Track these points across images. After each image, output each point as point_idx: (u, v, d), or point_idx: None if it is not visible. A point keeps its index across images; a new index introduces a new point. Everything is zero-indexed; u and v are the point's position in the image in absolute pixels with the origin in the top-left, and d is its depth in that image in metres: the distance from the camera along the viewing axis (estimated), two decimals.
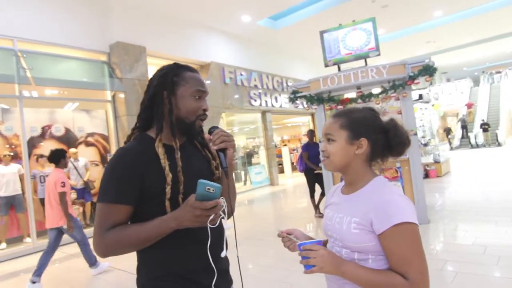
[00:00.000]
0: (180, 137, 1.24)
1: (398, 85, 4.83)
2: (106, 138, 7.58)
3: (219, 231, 1.22)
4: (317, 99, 5.41)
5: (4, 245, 6.05)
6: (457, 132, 20.73)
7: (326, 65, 5.45)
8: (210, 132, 1.24)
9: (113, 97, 7.46)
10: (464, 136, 19.71)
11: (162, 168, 1.12)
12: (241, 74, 10.61)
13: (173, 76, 1.21)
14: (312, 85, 5.42)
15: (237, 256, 1.25)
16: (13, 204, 6.26)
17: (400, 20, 11.53)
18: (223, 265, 1.26)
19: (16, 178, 6.23)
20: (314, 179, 6.31)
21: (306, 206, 7.42)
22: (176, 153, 1.18)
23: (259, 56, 11.54)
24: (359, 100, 5.15)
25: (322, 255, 1.05)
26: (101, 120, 7.63)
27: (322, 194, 6.09)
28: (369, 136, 1.14)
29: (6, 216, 6.19)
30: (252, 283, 3.51)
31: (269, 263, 4.19)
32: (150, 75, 7.46)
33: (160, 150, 1.15)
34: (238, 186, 11.97)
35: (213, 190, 1.00)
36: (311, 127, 14.81)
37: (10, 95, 6.19)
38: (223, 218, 1.11)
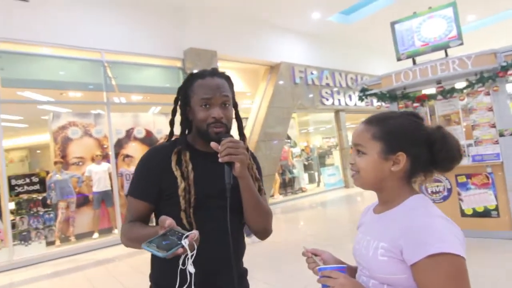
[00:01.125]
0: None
1: (487, 78, 4.17)
2: None
3: (217, 255, 1.13)
4: (389, 96, 4.98)
5: (96, 235, 6.82)
6: None
7: (399, 59, 4.97)
8: (219, 141, 1.12)
9: None
10: None
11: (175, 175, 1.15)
12: (312, 73, 10.36)
13: (186, 89, 1.23)
14: (383, 82, 5.01)
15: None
16: (104, 199, 7.03)
17: (494, 3, 10.07)
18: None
19: (106, 175, 6.99)
20: None
21: None
22: (188, 165, 1.17)
23: (331, 53, 11.14)
24: (439, 97, 4.59)
25: (342, 285, 0.89)
26: (177, 123, 8.11)
27: None
28: (408, 150, 0.93)
29: (98, 210, 6.98)
30: None
31: None
32: None
33: (173, 163, 1.17)
34: (311, 188, 11.74)
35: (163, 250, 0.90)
36: None
37: (99, 102, 6.95)
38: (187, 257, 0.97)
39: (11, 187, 5.99)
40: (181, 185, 1.13)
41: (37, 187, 6.42)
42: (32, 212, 6.49)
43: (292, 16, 9.12)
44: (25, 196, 6.53)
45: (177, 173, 1.15)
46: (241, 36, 8.74)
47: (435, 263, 0.80)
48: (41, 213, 6.57)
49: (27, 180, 6.26)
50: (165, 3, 7.57)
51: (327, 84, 10.80)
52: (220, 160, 1.09)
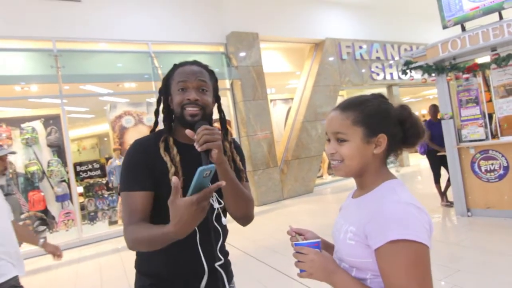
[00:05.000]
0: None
1: None
2: (229, 123, 8.25)
3: (208, 228, 1.19)
4: (436, 68, 4.58)
5: None
6: None
7: (445, 27, 4.50)
8: (195, 130, 1.11)
9: (231, 84, 8.00)
10: None
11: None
12: (360, 47, 9.82)
13: (168, 78, 1.26)
14: (429, 53, 4.60)
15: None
16: None
17: None
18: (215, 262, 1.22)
19: None
20: (438, 162, 5.46)
21: (435, 192, 6.50)
22: (172, 149, 1.20)
23: (382, 24, 10.40)
24: (493, 65, 4.12)
25: (312, 260, 0.92)
26: (223, 107, 8.27)
27: (450, 180, 5.19)
28: (387, 130, 0.95)
29: None
30: None
31: None
32: (263, 60, 7.60)
33: (161, 150, 1.19)
34: None
35: (207, 174, 0.87)
36: None
37: (149, 91, 7.38)
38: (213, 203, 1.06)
39: (76, 173, 6.69)
40: (171, 169, 1.15)
41: (98, 172, 7.08)
42: (98, 194, 7.22)
43: None
44: (91, 181, 7.27)
45: (167, 158, 1.17)
46: (282, 15, 8.54)
47: (396, 249, 0.80)
48: (105, 195, 7.29)
49: (90, 166, 6.92)
50: None
51: (378, 58, 10.18)
52: (198, 149, 1.08)
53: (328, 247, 1.10)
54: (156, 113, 1.32)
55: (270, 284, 3.52)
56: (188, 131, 1.11)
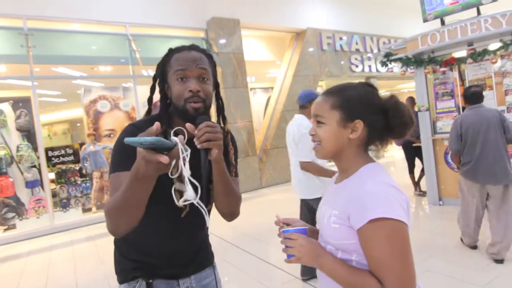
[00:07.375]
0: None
1: None
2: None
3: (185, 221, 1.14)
4: (414, 61, 4.67)
5: None
6: None
7: (425, 20, 4.59)
8: (196, 124, 1.04)
9: None
10: None
11: None
12: (341, 39, 9.89)
13: (164, 64, 1.16)
14: (409, 45, 4.69)
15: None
16: None
17: None
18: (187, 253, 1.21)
19: None
20: (413, 153, 5.62)
21: (409, 182, 6.71)
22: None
23: (362, 16, 10.51)
24: (469, 60, 4.24)
25: (301, 245, 0.96)
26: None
27: (424, 171, 5.38)
28: (365, 117, 0.97)
29: None
30: None
31: None
32: (244, 48, 7.45)
33: None
34: None
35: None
36: None
37: (126, 75, 7.14)
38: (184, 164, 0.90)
39: (48, 159, 6.43)
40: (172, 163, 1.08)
41: (71, 158, 6.84)
42: (71, 181, 6.98)
43: None
44: (63, 167, 7.01)
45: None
46: (263, 2, 8.43)
47: (377, 228, 0.84)
48: (79, 182, 7.06)
49: (62, 152, 6.67)
50: None
51: (357, 50, 10.30)
52: (198, 146, 1.01)
53: (313, 233, 1.13)
54: (150, 101, 1.22)
55: (250, 270, 3.53)
56: (189, 125, 1.03)
